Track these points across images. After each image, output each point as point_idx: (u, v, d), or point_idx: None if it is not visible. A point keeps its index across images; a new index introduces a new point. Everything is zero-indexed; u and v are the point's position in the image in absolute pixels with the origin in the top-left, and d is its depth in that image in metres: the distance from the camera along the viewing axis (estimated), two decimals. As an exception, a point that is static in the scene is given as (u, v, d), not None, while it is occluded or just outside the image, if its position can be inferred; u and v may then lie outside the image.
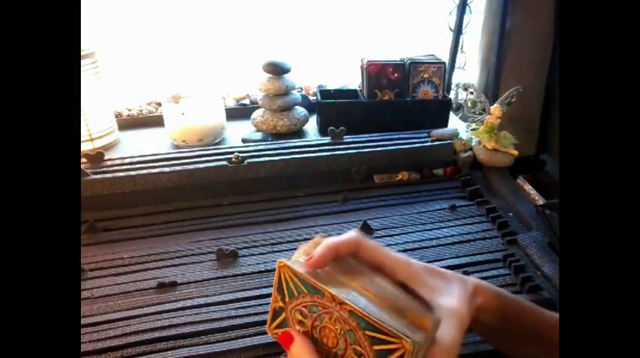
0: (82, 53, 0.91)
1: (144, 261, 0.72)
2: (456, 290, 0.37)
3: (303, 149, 0.90)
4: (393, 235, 0.76)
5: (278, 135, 1.03)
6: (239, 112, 1.15)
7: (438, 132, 0.97)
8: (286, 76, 1.02)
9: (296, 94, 1.06)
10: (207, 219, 0.82)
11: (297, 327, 0.36)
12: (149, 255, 0.73)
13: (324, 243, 0.37)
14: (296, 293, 0.36)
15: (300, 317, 0.36)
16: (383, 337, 0.32)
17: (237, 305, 0.63)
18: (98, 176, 0.82)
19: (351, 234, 0.38)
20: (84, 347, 0.56)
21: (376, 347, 0.33)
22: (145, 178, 0.83)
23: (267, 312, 0.42)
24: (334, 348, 0.35)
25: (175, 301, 0.64)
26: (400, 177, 0.93)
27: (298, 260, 0.38)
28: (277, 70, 1.00)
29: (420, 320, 0.34)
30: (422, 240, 0.75)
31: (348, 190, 0.87)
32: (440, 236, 0.76)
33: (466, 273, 0.53)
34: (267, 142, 0.98)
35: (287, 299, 0.37)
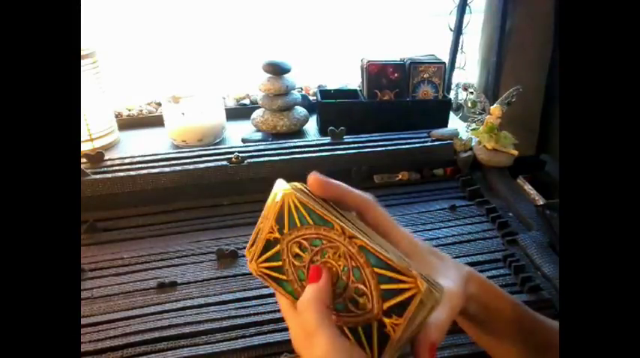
0: (82, 53, 0.91)
1: (144, 261, 0.72)
2: (453, 275, 0.36)
3: (303, 149, 0.90)
4: (393, 235, 0.76)
5: (278, 135, 1.03)
6: (239, 112, 1.15)
7: (438, 132, 0.97)
8: (286, 76, 1.02)
9: (296, 94, 1.06)
10: (207, 219, 0.82)
11: (294, 261, 0.33)
12: (149, 255, 0.73)
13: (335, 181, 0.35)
14: (299, 224, 0.33)
15: (297, 251, 0.33)
16: (395, 275, 0.30)
17: (237, 305, 0.63)
18: (98, 176, 0.82)
19: (365, 193, 0.36)
20: (84, 347, 0.56)
21: (383, 286, 0.30)
22: (144, 178, 0.83)
23: (267, 312, 0.41)
24: (333, 286, 0.32)
25: (175, 301, 0.64)
26: (400, 177, 0.93)
27: (303, 189, 0.35)
28: (277, 70, 1.00)
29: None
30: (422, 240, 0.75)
31: (348, 190, 0.87)
32: (440, 236, 0.77)
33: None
34: (267, 142, 0.98)
35: (286, 230, 0.33)
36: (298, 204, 0.33)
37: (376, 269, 0.30)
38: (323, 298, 0.32)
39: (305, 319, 0.31)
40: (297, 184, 0.35)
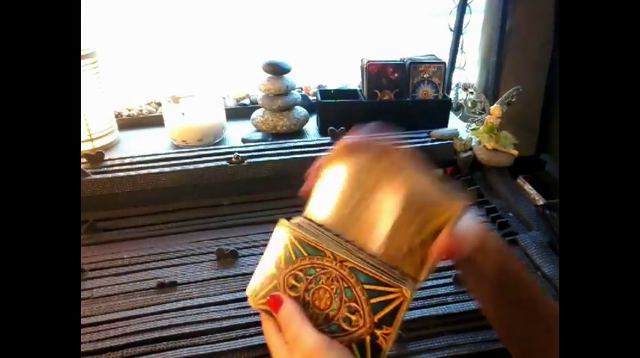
0: (82, 53, 0.91)
1: (144, 261, 0.72)
2: (467, 220, 0.39)
3: (303, 149, 0.90)
4: (393, 235, 0.76)
5: (278, 135, 1.03)
6: (239, 112, 1.15)
7: (438, 132, 0.97)
8: (286, 76, 1.02)
9: (296, 94, 1.06)
10: (207, 219, 0.82)
11: (290, 292, 0.37)
12: (149, 255, 0.73)
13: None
14: (294, 258, 0.37)
15: (293, 282, 0.37)
16: (383, 288, 0.34)
17: (237, 305, 0.63)
18: (98, 176, 0.82)
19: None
20: (84, 347, 0.56)
21: (373, 300, 0.34)
22: (145, 178, 0.83)
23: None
24: (327, 309, 0.36)
25: (175, 301, 0.64)
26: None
27: (298, 222, 0.39)
28: (277, 70, 1.00)
29: (451, 208, 0.37)
30: (422, 240, 0.75)
31: (348, 190, 0.87)
32: (440, 236, 0.76)
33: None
34: (267, 142, 0.98)
35: (282, 265, 0.37)
36: (294, 240, 0.37)
37: (366, 286, 0.35)
38: (297, 310, 0.35)
39: (289, 330, 0.35)
40: (298, 219, 0.40)
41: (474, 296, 0.46)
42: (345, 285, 0.35)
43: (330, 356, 0.33)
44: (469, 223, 0.39)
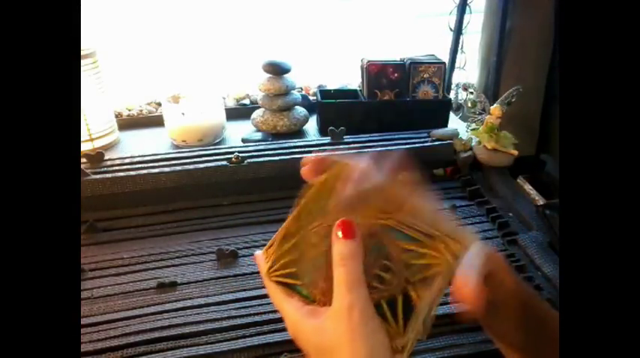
0: (82, 53, 0.91)
1: (144, 261, 0.72)
2: (480, 246, 0.36)
3: (303, 149, 0.90)
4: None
5: (278, 135, 1.03)
6: (239, 112, 1.15)
7: (438, 132, 0.97)
8: (286, 76, 1.02)
9: (296, 94, 1.06)
10: (207, 219, 0.82)
11: (310, 251, 0.33)
12: (149, 255, 0.73)
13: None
14: (315, 215, 0.34)
15: (315, 240, 0.33)
16: (423, 250, 0.31)
17: (237, 305, 0.63)
18: (98, 176, 0.82)
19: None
20: (84, 347, 0.56)
21: (410, 261, 0.31)
22: (145, 178, 0.83)
23: (267, 312, 0.40)
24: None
25: (175, 301, 0.64)
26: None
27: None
28: (277, 70, 1.00)
29: (460, 238, 0.32)
30: (422, 240, 0.75)
31: (348, 190, 0.87)
32: (440, 236, 0.77)
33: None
34: (267, 142, 0.98)
35: (303, 222, 0.34)
36: (312, 198, 0.34)
37: (402, 244, 0.31)
38: (362, 255, 0.31)
39: (345, 272, 0.31)
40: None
41: (498, 341, 0.42)
42: (379, 242, 0.32)
43: (367, 337, 0.29)
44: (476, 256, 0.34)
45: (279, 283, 0.34)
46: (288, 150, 0.90)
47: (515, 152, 0.92)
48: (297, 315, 0.33)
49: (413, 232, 0.31)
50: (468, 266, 0.32)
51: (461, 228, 0.33)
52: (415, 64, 1.04)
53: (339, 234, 0.32)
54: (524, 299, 0.40)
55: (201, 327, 0.59)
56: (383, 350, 0.30)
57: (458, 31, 1.10)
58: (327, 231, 0.33)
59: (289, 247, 0.34)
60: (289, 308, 0.33)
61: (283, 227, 0.35)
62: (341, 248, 0.32)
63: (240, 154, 0.87)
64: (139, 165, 0.86)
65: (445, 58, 1.10)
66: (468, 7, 1.07)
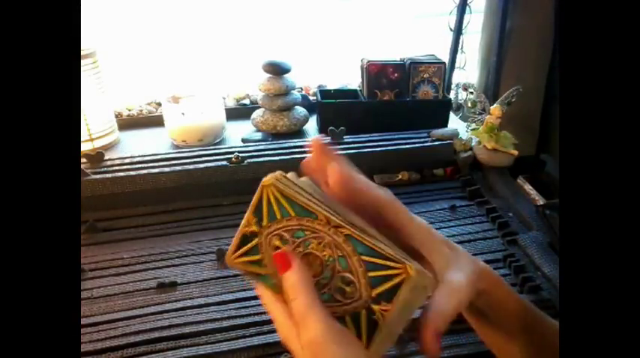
0: (82, 53, 0.91)
1: (144, 261, 0.72)
2: (465, 267, 0.35)
3: (303, 149, 0.90)
4: (393, 235, 0.76)
5: (278, 135, 1.03)
6: (239, 112, 1.15)
7: (438, 132, 0.97)
8: (286, 76, 1.02)
9: (296, 94, 1.06)
10: (207, 219, 0.82)
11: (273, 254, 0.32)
12: (149, 255, 0.73)
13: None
14: (279, 216, 0.32)
15: (278, 243, 0.33)
16: (383, 262, 0.30)
17: (237, 305, 0.63)
18: (98, 176, 0.82)
19: (384, 192, 0.35)
20: (84, 347, 0.56)
21: (371, 274, 0.30)
22: (145, 178, 0.83)
23: (267, 312, 0.40)
24: (317, 277, 0.32)
25: (175, 301, 0.64)
26: (400, 177, 0.92)
27: (290, 179, 0.34)
28: (277, 70, 1.00)
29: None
30: (422, 240, 0.75)
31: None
32: (440, 236, 0.76)
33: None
34: (267, 142, 0.98)
35: (265, 223, 0.33)
36: (278, 196, 0.32)
37: (364, 257, 0.30)
38: (307, 280, 0.31)
39: (296, 305, 0.31)
40: (288, 174, 0.34)
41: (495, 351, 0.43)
42: (340, 254, 0.31)
43: (338, 353, 0.29)
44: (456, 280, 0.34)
45: (243, 270, 0.34)
46: (288, 150, 0.90)
47: (515, 152, 0.92)
48: (285, 326, 0.32)
49: (372, 244, 0.30)
50: (444, 298, 0.32)
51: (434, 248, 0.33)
52: (415, 64, 1.04)
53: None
54: (527, 321, 0.40)
55: (201, 327, 0.59)
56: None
57: (458, 31, 1.10)
58: (293, 232, 0.32)
59: (249, 247, 0.34)
60: (278, 316, 0.33)
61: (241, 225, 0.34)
62: (284, 283, 0.32)
63: (240, 154, 0.87)
64: (139, 165, 0.86)
65: (445, 58, 1.10)
66: (468, 7, 1.07)
